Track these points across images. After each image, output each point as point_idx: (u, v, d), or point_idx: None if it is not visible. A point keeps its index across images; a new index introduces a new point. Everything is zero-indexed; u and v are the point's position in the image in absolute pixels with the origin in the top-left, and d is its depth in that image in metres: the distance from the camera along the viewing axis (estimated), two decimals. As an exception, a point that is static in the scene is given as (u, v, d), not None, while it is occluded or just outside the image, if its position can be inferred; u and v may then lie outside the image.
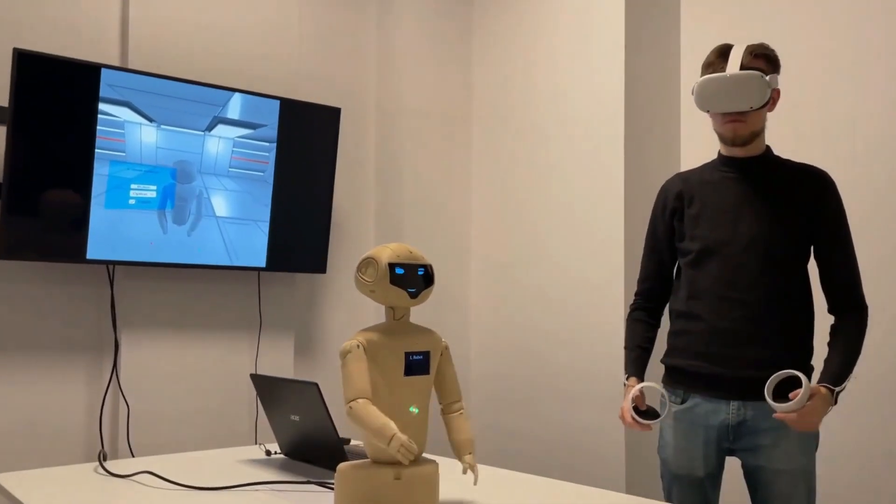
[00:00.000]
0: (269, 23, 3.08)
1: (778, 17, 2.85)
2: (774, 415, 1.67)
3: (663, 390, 1.90)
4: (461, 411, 1.49)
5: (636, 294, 2.06)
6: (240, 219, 2.86)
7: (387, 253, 1.41)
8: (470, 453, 1.46)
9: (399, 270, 1.40)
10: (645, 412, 1.84)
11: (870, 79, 2.63)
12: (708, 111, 1.82)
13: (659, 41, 3.09)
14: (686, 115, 3.10)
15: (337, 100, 3.34)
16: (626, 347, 2.02)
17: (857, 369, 2.57)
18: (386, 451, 1.32)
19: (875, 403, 2.56)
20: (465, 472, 1.46)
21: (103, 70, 2.57)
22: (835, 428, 2.57)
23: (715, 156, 1.96)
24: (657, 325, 2.04)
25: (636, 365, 1.95)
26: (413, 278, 1.42)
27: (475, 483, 1.47)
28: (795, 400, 1.64)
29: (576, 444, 3.04)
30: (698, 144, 3.04)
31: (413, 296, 1.42)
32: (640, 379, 1.93)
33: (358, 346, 1.37)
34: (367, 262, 1.41)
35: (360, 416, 1.32)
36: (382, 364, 1.38)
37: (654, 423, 1.84)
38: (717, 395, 1.83)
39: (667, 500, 1.90)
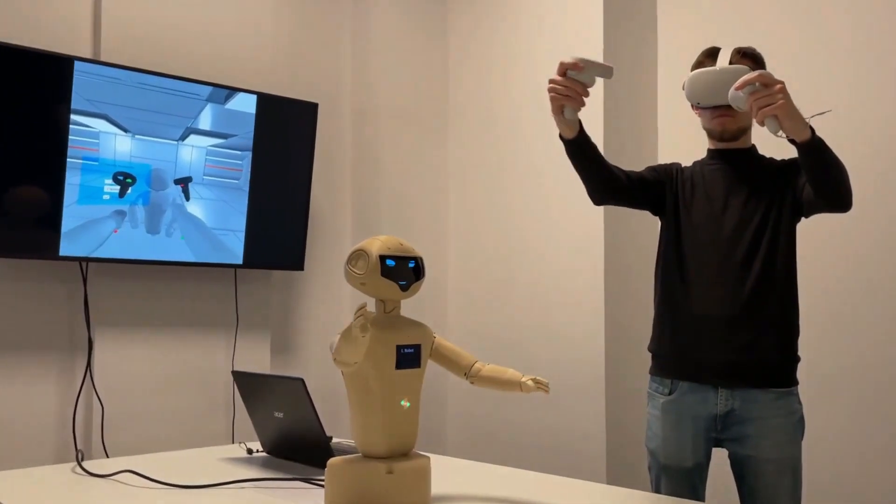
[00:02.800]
0: (244, 19, 3.04)
1: (754, 23, 2.88)
2: (736, 83, 1.60)
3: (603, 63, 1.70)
4: (483, 365, 1.47)
5: None
6: (216, 229, 2.83)
7: (377, 245, 1.39)
8: (523, 377, 1.44)
9: (390, 263, 1.38)
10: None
11: (846, 81, 2.67)
12: (698, 104, 1.85)
13: (637, 40, 3.10)
14: (663, 114, 3.12)
15: (312, 97, 3.30)
16: None
17: (843, 361, 2.60)
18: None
19: (860, 394, 2.60)
20: (534, 388, 1.43)
21: (76, 63, 2.52)
22: (820, 418, 2.60)
23: (692, 155, 2.01)
24: (613, 170, 1.90)
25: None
26: (404, 271, 1.40)
27: (547, 391, 1.44)
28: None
29: (556, 438, 3.04)
30: (675, 143, 3.06)
31: (404, 288, 1.40)
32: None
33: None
34: (358, 255, 1.39)
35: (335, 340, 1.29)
36: (373, 357, 1.36)
37: (587, 74, 1.66)
38: (705, 381, 1.84)
39: (655, 492, 1.90)
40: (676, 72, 3.07)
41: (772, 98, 1.56)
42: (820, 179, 1.67)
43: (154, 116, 2.69)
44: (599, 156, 1.87)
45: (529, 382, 1.44)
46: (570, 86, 1.69)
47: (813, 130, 1.62)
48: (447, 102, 3.57)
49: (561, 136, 1.82)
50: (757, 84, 1.58)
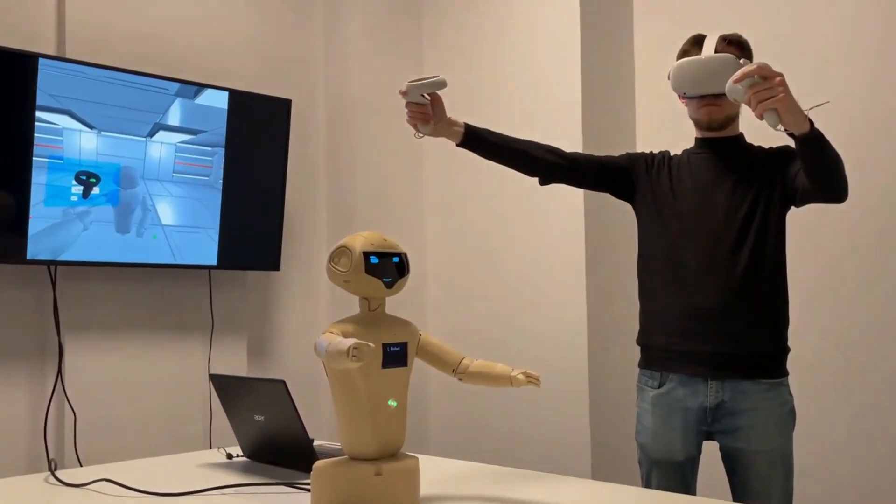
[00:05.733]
0: (214, 14, 2.98)
1: (730, 12, 2.87)
2: (734, 76, 1.56)
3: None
4: (472, 360, 1.43)
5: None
6: (188, 227, 2.77)
7: (360, 241, 1.35)
8: (513, 370, 1.40)
9: (374, 259, 1.34)
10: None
11: (828, 73, 2.67)
12: (684, 94, 1.82)
13: (613, 32, 3.08)
14: (641, 104, 3.10)
15: (285, 93, 3.24)
16: None
17: (834, 352, 2.60)
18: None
19: (851, 385, 2.60)
20: (525, 382, 1.39)
21: (41, 60, 2.45)
22: (811, 409, 2.60)
23: (670, 145, 2.00)
24: (534, 153, 1.95)
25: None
26: (388, 267, 1.36)
27: (539, 385, 1.40)
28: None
29: (540, 436, 3.02)
30: (653, 133, 3.05)
31: (389, 286, 1.37)
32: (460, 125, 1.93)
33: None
34: (341, 252, 1.35)
35: (322, 339, 1.24)
36: (359, 356, 1.32)
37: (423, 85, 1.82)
38: (695, 373, 1.82)
39: (646, 486, 1.88)
40: (653, 62, 3.05)
41: (772, 91, 1.52)
42: (817, 171, 1.65)
43: (120, 112, 2.62)
44: (508, 144, 1.93)
45: (520, 376, 1.40)
46: (410, 109, 1.88)
47: (812, 123, 1.60)
48: (422, 97, 3.52)
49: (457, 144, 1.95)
50: (756, 77, 1.53)
